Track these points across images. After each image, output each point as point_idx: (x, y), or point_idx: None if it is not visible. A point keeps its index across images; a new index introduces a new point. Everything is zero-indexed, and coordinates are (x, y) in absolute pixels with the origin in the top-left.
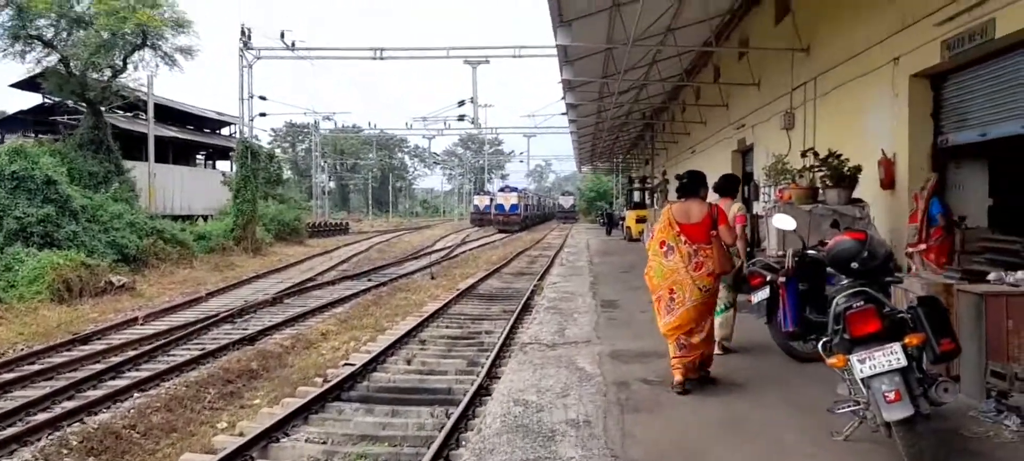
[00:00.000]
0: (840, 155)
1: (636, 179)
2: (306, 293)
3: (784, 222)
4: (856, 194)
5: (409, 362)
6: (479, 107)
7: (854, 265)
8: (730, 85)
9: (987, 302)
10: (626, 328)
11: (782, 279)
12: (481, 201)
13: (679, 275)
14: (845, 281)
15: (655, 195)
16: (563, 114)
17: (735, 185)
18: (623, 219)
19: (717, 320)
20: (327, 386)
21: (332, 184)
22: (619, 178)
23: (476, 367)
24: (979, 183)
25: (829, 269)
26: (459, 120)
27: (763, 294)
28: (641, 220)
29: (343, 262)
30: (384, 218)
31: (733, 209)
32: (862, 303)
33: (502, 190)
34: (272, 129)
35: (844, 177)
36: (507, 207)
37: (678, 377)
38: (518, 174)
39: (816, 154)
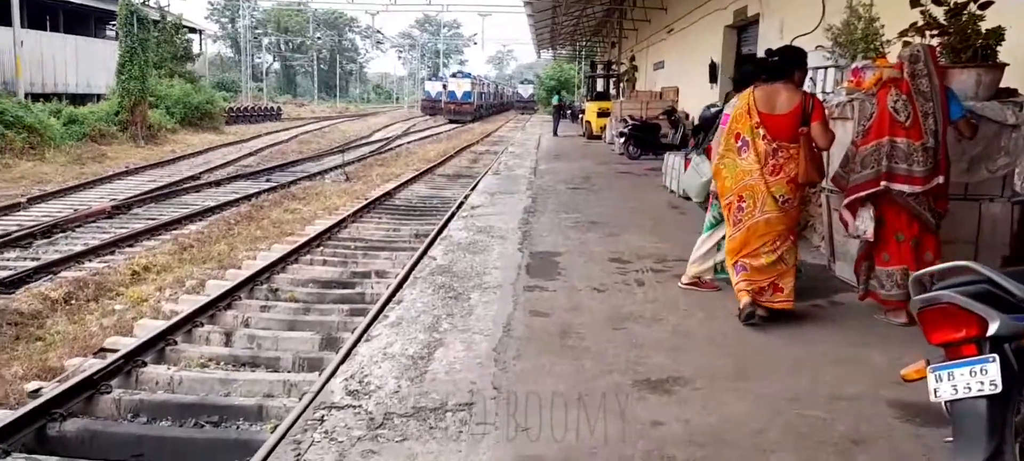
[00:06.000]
0: (985, 2)
1: (600, 65)
2: (170, 199)
3: None
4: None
5: (229, 338)
6: None
7: None
8: None
9: None
10: (562, 351)
11: None
12: (433, 88)
13: (752, 178)
14: None
15: (621, 84)
16: None
17: (803, 62)
18: (582, 112)
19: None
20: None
21: (277, 65)
22: (582, 65)
23: (332, 349)
24: None
25: None
26: None
27: None
28: (603, 114)
29: (250, 155)
30: (331, 104)
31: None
32: None
33: (454, 76)
34: (210, 2)
35: (976, 49)
36: (459, 95)
37: (745, 298)
38: (478, 61)
39: (938, 1)
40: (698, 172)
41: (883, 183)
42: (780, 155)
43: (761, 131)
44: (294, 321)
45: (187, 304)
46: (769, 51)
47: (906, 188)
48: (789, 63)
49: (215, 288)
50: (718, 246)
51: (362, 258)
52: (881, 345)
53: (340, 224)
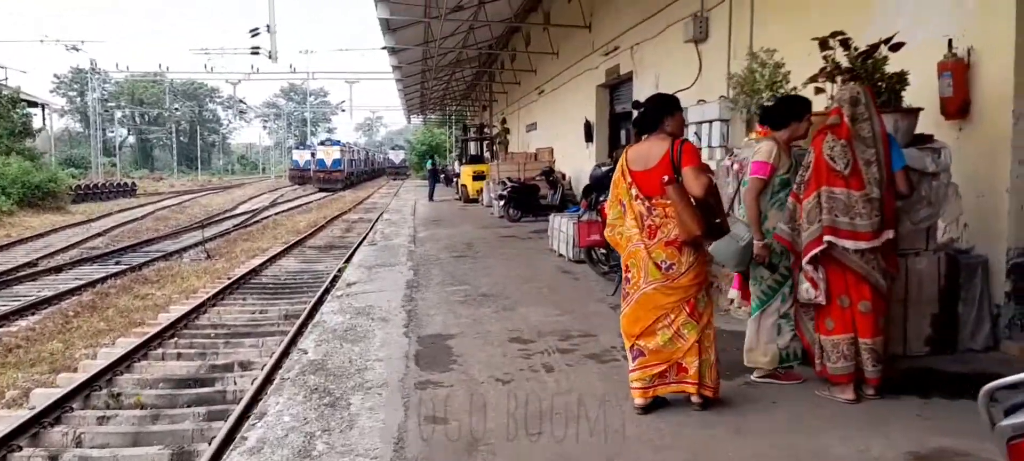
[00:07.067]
0: (896, 44)
1: (472, 128)
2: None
3: None
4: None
5: None
6: (301, 53)
7: None
8: None
9: None
10: None
11: None
12: (301, 156)
13: (634, 244)
14: None
15: (494, 147)
16: (384, 48)
17: (798, 111)
18: (457, 176)
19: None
20: None
21: (132, 139)
22: (452, 129)
23: None
24: None
25: None
26: (253, 53)
27: None
28: (479, 176)
29: (99, 235)
30: (192, 177)
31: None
32: None
33: (323, 143)
34: (55, 76)
35: (889, 94)
36: (329, 162)
37: (638, 399)
38: (347, 128)
39: (846, 44)
40: (734, 236)
41: (827, 238)
42: (655, 214)
43: (634, 190)
44: (139, 433)
45: (3, 423)
46: (636, 103)
47: (850, 244)
48: (658, 112)
49: (42, 398)
50: (778, 328)
51: (223, 348)
52: (836, 431)
53: (198, 309)
